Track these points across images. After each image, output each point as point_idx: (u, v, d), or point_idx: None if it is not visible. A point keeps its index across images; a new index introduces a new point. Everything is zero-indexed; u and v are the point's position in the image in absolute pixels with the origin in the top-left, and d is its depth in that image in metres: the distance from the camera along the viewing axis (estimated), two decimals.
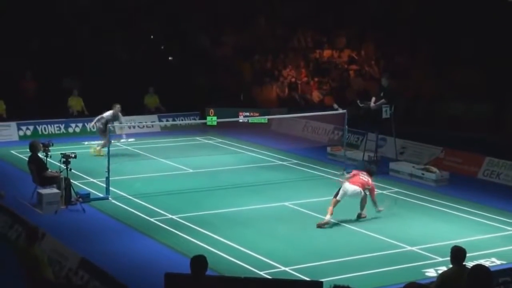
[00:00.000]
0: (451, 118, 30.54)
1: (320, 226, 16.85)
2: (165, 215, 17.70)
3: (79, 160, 19.31)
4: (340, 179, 18.02)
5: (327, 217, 16.92)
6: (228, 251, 15.04)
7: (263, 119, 30.24)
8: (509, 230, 16.95)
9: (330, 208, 16.94)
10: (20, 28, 31.44)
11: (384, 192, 20.31)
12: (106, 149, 21.28)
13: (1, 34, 31.07)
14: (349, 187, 17.14)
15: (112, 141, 23.00)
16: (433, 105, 31.52)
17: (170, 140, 27.71)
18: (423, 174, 21.74)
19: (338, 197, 17.06)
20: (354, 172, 17.73)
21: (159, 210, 18.10)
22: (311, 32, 38.90)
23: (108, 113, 24.36)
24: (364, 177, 17.37)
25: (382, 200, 18.23)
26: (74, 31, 33.37)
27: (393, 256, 15.06)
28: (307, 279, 13.34)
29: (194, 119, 30.24)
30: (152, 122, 29.93)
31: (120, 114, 24.51)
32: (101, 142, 24.17)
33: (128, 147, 26.29)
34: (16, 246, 13.79)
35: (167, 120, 30.18)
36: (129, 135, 28.33)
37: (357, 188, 17.15)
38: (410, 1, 37.43)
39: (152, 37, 36.36)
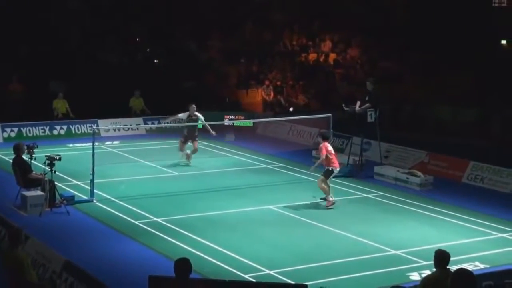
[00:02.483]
0: (437, 122, 30.67)
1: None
2: (150, 218, 17.68)
3: (64, 162, 19.20)
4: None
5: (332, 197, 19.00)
6: (213, 254, 15.03)
7: (249, 122, 30.22)
8: (492, 234, 17.03)
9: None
10: (8, 33, 31.33)
11: (369, 195, 20.37)
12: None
13: None
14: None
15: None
16: (419, 109, 31.64)
17: (156, 143, 27.66)
18: (407, 178, 21.79)
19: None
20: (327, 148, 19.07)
21: (143, 213, 18.07)
22: (297, 36, 39.00)
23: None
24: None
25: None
26: (61, 35, 33.29)
27: (377, 259, 15.09)
28: (292, 282, 13.35)
29: (180, 122, 30.16)
30: (137, 124, 29.86)
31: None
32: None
33: (114, 150, 26.24)
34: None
35: (152, 123, 30.10)
36: (114, 138, 28.35)
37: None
38: (398, 6, 37.62)
39: (138, 39, 36.30)
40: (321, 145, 19.11)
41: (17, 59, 31.20)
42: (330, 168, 19.00)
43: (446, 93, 31.58)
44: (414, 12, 36.66)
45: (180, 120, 24.12)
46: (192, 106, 23.71)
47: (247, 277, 13.80)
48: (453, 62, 32.93)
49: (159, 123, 30.18)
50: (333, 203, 18.89)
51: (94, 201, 19.02)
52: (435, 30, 34.44)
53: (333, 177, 21.48)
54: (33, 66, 30.80)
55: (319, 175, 19.19)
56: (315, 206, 19.20)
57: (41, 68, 30.74)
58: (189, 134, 23.89)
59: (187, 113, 23.74)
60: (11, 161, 19.10)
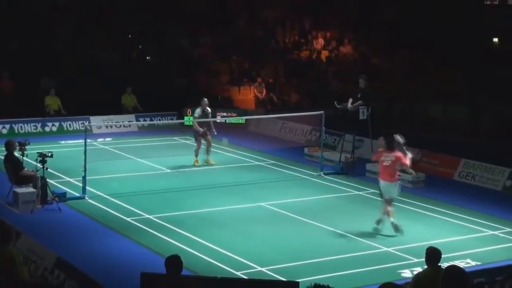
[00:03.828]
0: (429, 120, 30.71)
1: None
2: (142, 215, 17.67)
3: (56, 159, 19.19)
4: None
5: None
6: (205, 251, 15.04)
7: (241, 119, 30.24)
8: (484, 232, 17.08)
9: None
10: None
11: (360, 193, 20.40)
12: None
13: None
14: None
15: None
16: (411, 107, 31.69)
17: (148, 140, 27.64)
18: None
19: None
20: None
21: (135, 210, 18.06)
22: (289, 33, 39.00)
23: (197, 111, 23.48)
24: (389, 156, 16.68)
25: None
26: (52, 31, 33.22)
27: (369, 257, 15.12)
28: (283, 279, 13.36)
29: (172, 119, 30.17)
30: (129, 121, 29.83)
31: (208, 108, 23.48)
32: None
33: (105, 147, 26.21)
34: None
35: (144, 120, 30.09)
36: (106, 135, 28.31)
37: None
38: (388, 4, 37.67)
39: (130, 36, 36.26)
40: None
41: (7, 56, 31.10)
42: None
43: (437, 91, 31.63)
44: (405, 10, 36.70)
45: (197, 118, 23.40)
46: (204, 100, 23.41)
47: (238, 274, 13.81)
48: (444, 59, 33.00)
49: (151, 120, 30.18)
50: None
51: (86, 198, 18.99)
52: (426, 27, 34.49)
53: (326, 174, 21.66)
54: (23, 63, 30.72)
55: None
56: (307, 203, 19.22)
57: (32, 65, 30.68)
58: (205, 129, 23.43)
59: (200, 109, 23.38)
60: (3, 158, 19.06)
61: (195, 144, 23.62)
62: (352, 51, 37.80)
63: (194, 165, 23.30)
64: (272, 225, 17.25)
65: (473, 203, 19.71)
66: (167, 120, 30.30)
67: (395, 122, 30.59)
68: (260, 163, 24.21)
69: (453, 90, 31.20)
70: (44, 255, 13.05)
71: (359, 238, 16.24)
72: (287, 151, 26.32)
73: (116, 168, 22.63)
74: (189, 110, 30.09)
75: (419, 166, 23.25)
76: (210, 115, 23.69)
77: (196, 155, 23.46)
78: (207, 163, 23.52)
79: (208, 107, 23.52)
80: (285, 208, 18.54)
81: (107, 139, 27.70)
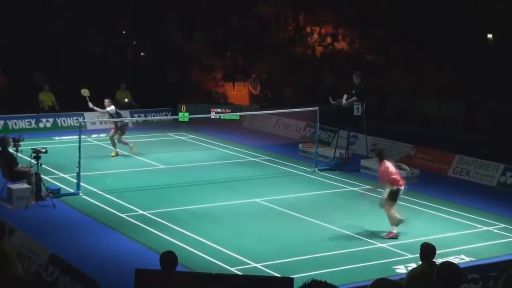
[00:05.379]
0: (423, 116, 30.74)
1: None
2: (136, 211, 17.66)
3: (50, 155, 19.17)
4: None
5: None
6: (199, 247, 15.04)
7: (235, 115, 30.21)
8: (478, 228, 17.11)
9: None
10: None
11: (355, 189, 20.40)
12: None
13: None
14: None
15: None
16: (405, 103, 31.71)
17: (142, 136, 27.59)
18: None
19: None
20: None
21: (130, 206, 18.04)
22: (283, 29, 38.99)
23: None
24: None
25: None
26: (46, 27, 33.14)
27: (363, 252, 15.14)
28: (278, 275, 13.36)
29: (166, 115, 30.12)
30: (124, 117, 29.72)
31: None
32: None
33: (100, 143, 26.17)
34: None
35: (139, 116, 29.99)
36: (100, 131, 28.26)
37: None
38: (383, 0, 37.71)
39: (124, 32, 36.19)
40: (380, 167, 16.33)
41: (1, 51, 31.01)
42: (395, 188, 16.04)
43: (431, 87, 31.66)
44: (400, 5, 36.72)
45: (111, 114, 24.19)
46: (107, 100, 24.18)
47: (233, 270, 13.82)
48: (439, 55, 33.02)
49: (145, 116, 30.11)
50: (394, 237, 16.10)
51: (80, 194, 18.97)
52: (420, 23, 34.51)
53: (321, 170, 21.67)
54: (17, 59, 30.64)
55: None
56: (301, 199, 19.22)
57: (26, 61, 30.60)
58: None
59: (114, 108, 24.08)
60: None
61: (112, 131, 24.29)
62: (346, 47, 37.81)
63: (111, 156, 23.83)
64: (267, 221, 17.25)
65: (468, 199, 19.73)
66: (161, 116, 30.26)
67: (389, 118, 30.62)
68: (255, 159, 24.20)
69: (448, 86, 31.23)
70: (38, 251, 13.03)
71: (353, 234, 16.24)
72: (281, 147, 26.29)
73: (110, 164, 22.62)
74: (183, 106, 30.07)
75: (414, 162, 23.27)
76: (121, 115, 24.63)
77: (113, 145, 24.03)
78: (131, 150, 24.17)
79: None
80: (280, 204, 18.55)
81: (101, 135, 27.63)
